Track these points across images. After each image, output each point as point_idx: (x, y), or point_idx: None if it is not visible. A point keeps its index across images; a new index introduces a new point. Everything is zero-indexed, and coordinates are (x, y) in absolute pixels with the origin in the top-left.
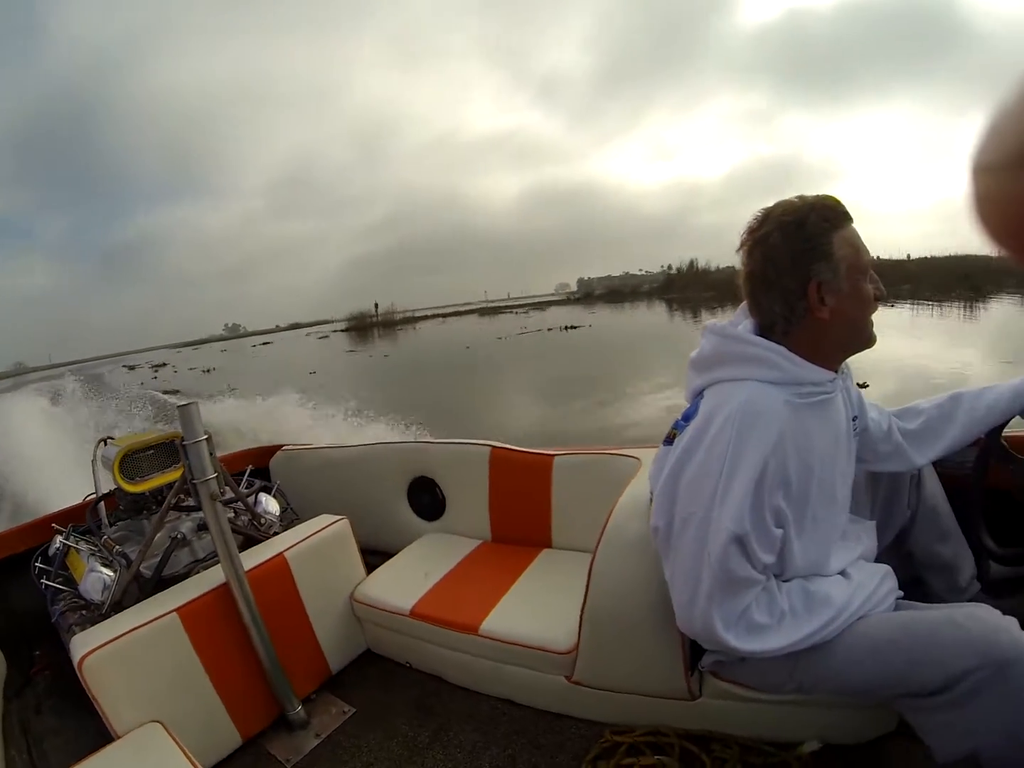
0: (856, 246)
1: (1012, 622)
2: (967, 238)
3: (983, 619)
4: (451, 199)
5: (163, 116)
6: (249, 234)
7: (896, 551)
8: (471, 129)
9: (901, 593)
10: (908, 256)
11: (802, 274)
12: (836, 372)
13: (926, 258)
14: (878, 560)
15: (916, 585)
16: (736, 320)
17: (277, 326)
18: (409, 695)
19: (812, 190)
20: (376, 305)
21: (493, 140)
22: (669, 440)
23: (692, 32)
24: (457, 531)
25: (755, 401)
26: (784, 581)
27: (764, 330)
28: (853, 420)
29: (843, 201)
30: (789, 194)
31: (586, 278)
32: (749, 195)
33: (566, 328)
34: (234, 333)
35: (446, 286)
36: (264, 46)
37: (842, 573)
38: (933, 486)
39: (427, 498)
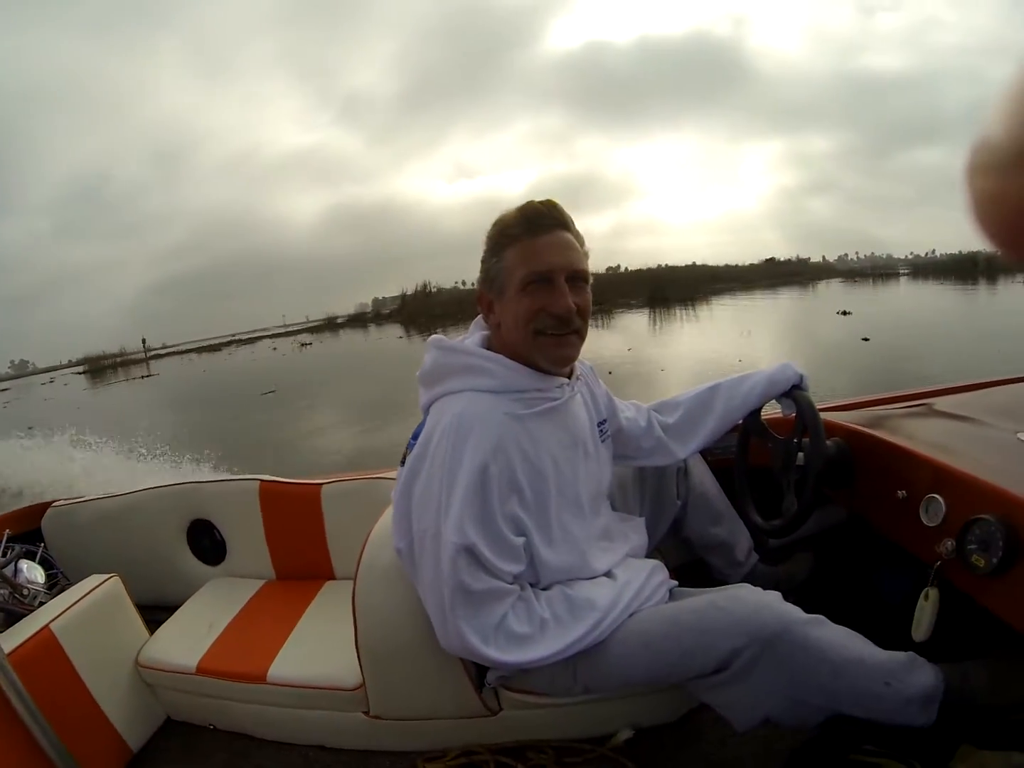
0: (530, 258)
1: (773, 597)
2: (748, 247)
3: (744, 599)
4: (253, 218)
5: None
6: (35, 256)
7: (675, 539)
8: (274, 146)
9: (675, 583)
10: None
11: (484, 285)
12: (568, 378)
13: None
14: (659, 548)
15: (700, 567)
16: (470, 332)
17: (69, 360)
18: (217, 760)
19: (610, 205)
20: (144, 340)
21: (296, 157)
22: (404, 460)
23: (496, 58)
24: (241, 573)
25: (470, 410)
26: (544, 589)
27: (493, 340)
28: (600, 424)
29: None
30: (586, 208)
31: (380, 297)
32: None
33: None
34: (21, 371)
35: (245, 311)
36: (48, 41)
37: (608, 574)
38: (701, 473)
39: (207, 541)
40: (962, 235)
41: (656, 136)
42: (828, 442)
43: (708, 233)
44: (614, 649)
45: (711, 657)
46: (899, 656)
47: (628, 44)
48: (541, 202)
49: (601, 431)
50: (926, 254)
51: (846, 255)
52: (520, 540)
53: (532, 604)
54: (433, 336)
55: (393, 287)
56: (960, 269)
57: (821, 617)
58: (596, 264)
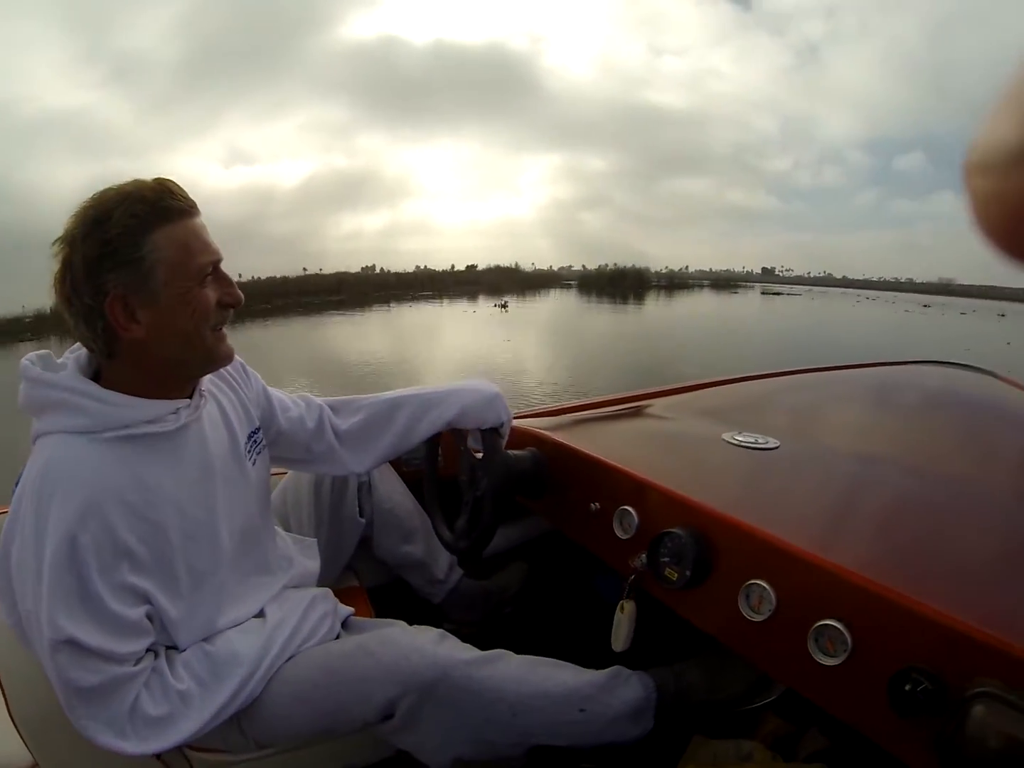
0: (187, 246)
1: (429, 638)
2: (520, 252)
3: (396, 643)
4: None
5: None
6: None
7: (367, 561)
8: (32, 102)
9: (349, 611)
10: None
11: (97, 285)
12: (190, 396)
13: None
14: (354, 570)
15: (401, 587)
16: (71, 350)
17: None
18: None
19: (388, 203)
20: None
21: (57, 119)
22: None
23: (285, 39)
24: None
25: (55, 463)
26: (182, 650)
27: (91, 361)
28: (252, 434)
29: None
30: (364, 205)
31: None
32: (325, 204)
33: None
34: None
35: None
36: None
37: (261, 614)
38: (390, 487)
39: None
40: (716, 254)
41: (439, 140)
42: (524, 452)
43: (483, 237)
44: (268, 705)
45: (370, 708)
46: (598, 677)
47: (424, 45)
48: (157, 180)
49: (253, 442)
50: (680, 269)
51: (606, 265)
52: (141, 611)
53: (166, 677)
54: (25, 359)
55: None
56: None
57: (497, 652)
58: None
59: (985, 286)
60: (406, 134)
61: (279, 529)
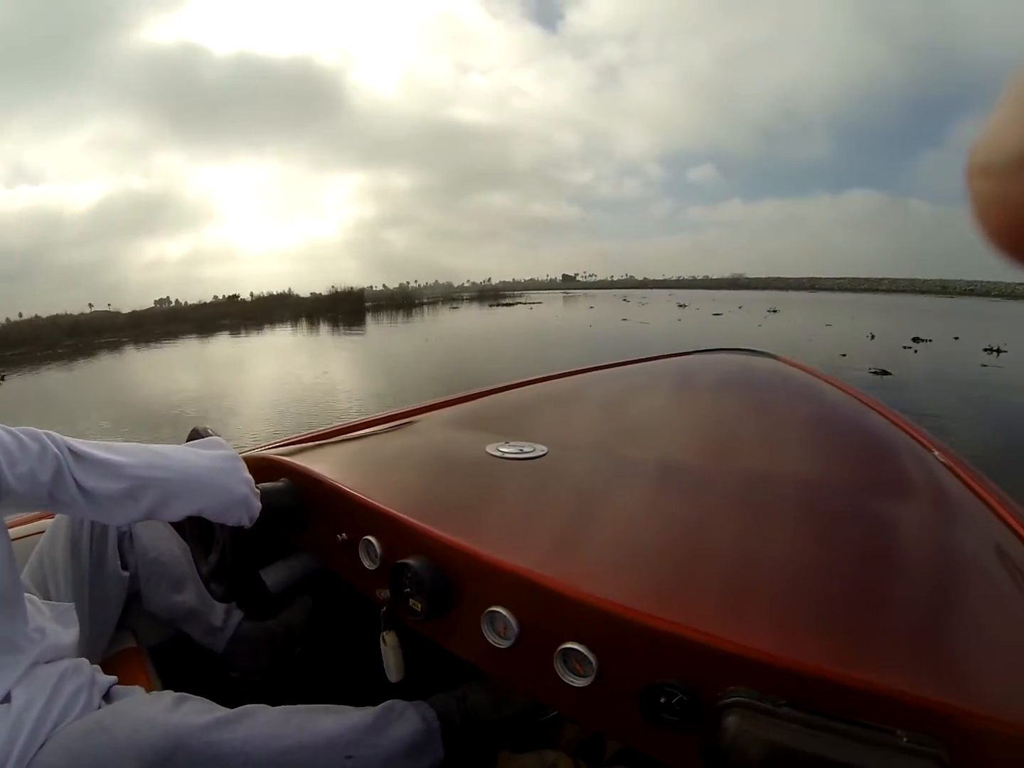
0: None
1: (161, 707)
2: (326, 275)
3: (126, 715)
4: None
5: None
6: None
7: (141, 618)
8: None
9: (112, 680)
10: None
11: None
12: None
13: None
14: (132, 630)
15: (184, 641)
16: None
17: None
18: None
19: (187, 228)
20: None
21: None
22: None
23: (73, 41)
24: None
25: None
26: None
27: None
28: None
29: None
30: (163, 231)
31: None
32: (122, 231)
33: None
34: None
35: None
36: None
37: (7, 698)
38: (155, 534)
39: None
40: (523, 265)
41: (241, 158)
42: (278, 484)
43: (290, 261)
44: None
45: None
46: (365, 717)
47: (226, 56)
48: None
49: None
50: (483, 281)
51: (407, 282)
52: None
53: None
54: None
55: None
56: None
57: (244, 709)
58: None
59: (770, 278)
60: (206, 152)
61: (33, 597)
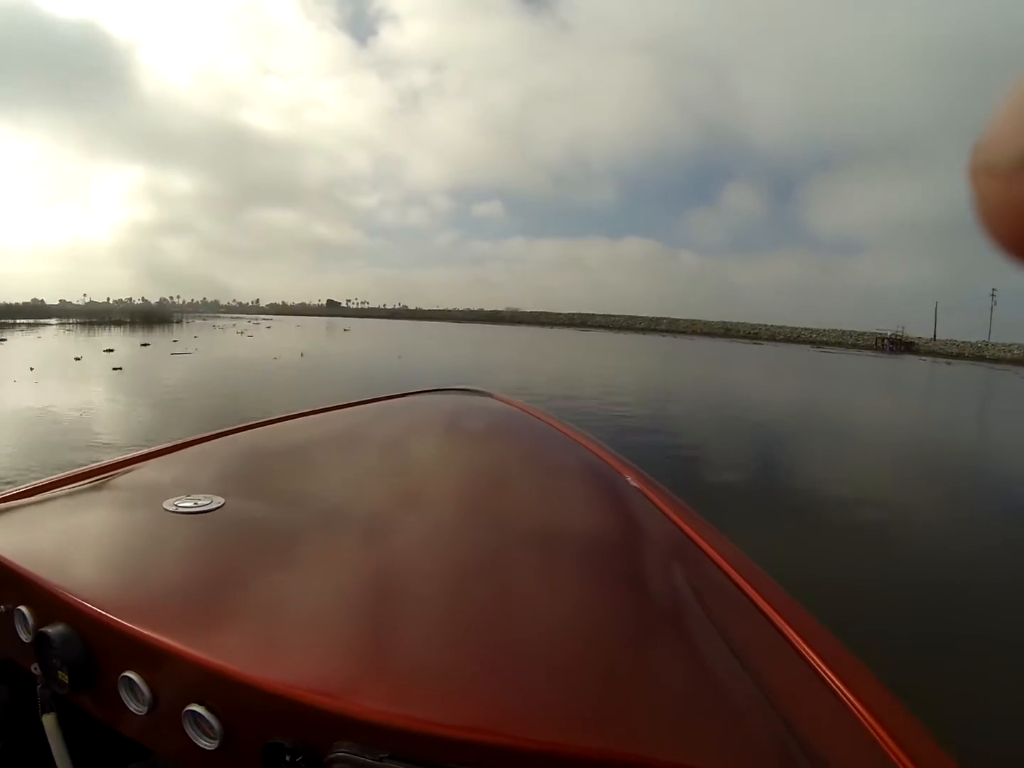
0: None
1: None
2: (95, 280)
3: None
4: None
5: None
6: None
7: None
8: None
9: None
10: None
11: None
12: None
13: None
14: None
15: None
16: None
17: None
18: None
19: None
20: None
21: None
22: None
23: None
24: None
25: None
26: None
27: None
28: None
29: None
30: None
31: None
32: None
33: None
34: None
35: None
36: None
37: None
38: None
39: None
40: (298, 288)
41: None
42: None
43: (53, 262)
44: None
45: None
46: None
47: None
48: None
49: None
50: (253, 302)
51: (172, 297)
52: None
53: None
54: None
55: None
56: None
57: None
58: None
59: (544, 312)
60: None
61: None
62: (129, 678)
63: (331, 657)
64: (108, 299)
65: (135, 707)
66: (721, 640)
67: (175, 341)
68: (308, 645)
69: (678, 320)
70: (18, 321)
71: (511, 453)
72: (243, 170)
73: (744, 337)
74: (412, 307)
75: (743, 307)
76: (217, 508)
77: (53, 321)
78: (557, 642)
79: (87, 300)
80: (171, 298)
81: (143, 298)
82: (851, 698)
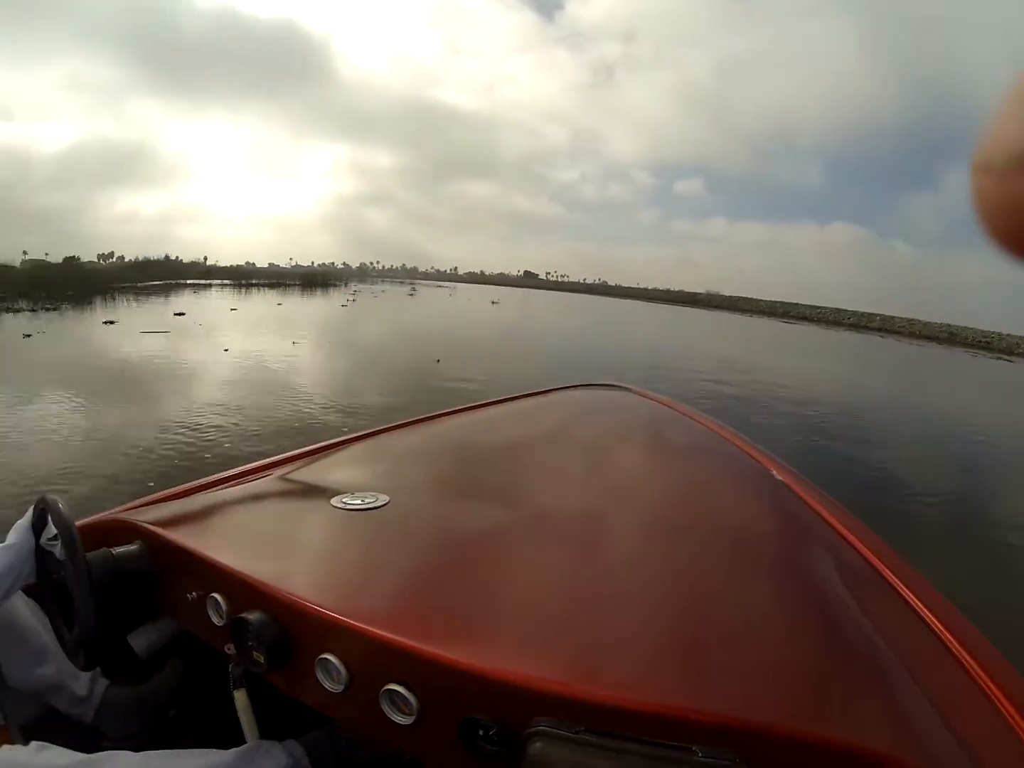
0: None
1: (22, 753)
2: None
3: None
4: None
5: None
6: None
7: (7, 693)
8: None
9: None
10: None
11: None
12: None
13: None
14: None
15: (50, 716)
16: None
17: None
18: None
19: (162, 183)
20: None
21: None
22: None
23: None
24: None
25: None
26: None
27: None
28: None
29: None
30: (137, 182)
31: None
32: (95, 178)
33: None
34: None
35: None
36: None
37: None
38: (8, 608)
39: None
40: (498, 258)
41: (217, 114)
42: (131, 547)
43: (265, 230)
44: None
45: None
46: (226, 756)
47: (207, 6)
48: None
49: None
50: (451, 270)
51: (371, 263)
52: None
53: None
54: None
55: None
56: None
57: (106, 754)
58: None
59: (744, 298)
60: (182, 105)
61: None
62: (327, 660)
63: (526, 637)
64: (312, 263)
65: (330, 686)
66: (894, 644)
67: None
68: (503, 627)
69: (893, 318)
70: (201, 282)
71: (668, 450)
72: (439, 145)
73: (973, 346)
74: (612, 283)
75: (966, 310)
76: (383, 506)
77: (253, 281)
78: (743, 629)
79: (293, 263)
80: (371, 263)
81: (344, 262)
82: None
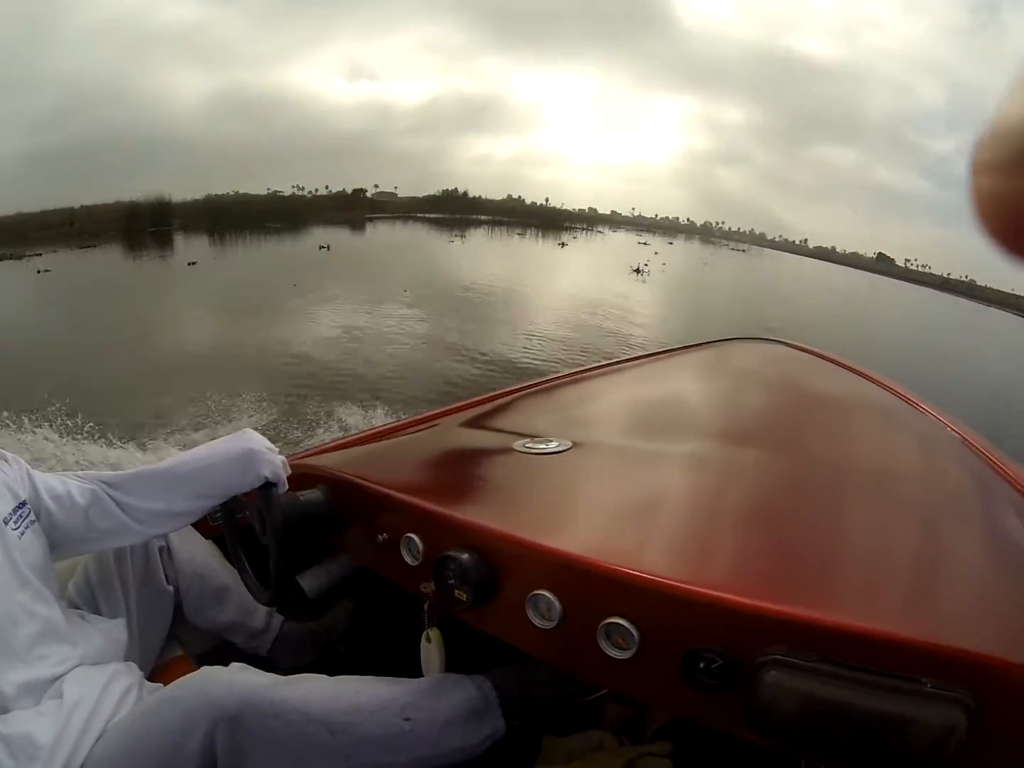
0: None
1: (225, 671)
2: (652, 200)
3: (192, 682)
4: (129, 94)
5: None
6: None
7: (188, 629)
8: (152, 17)
9: (157, 685)
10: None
11: None
12: None
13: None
14: (181, 640)
15: (226, 649)
16: None
17: None
18: None
19: (515, 133)
20: None
21: (173, 32)
22: None
23: None
24: None
25: None
26: None
27: None
28: (19, 507)
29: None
30: (492, 131)
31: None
32: (451, 127)
33: None
34: None
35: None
36: None
37: (58, 692)
38: (192, 548)
39: None
40: (851, 234)
41: (562, 67)
42: (313, 491)
43: (612, 178)
44: None
45: (188, 757)
46: (419, 683)
47: None
48: None
49: (19, 516)
50: (800, 241)
51: (715, 223)
52: None
53: None
54: None
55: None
56: None
57: (302, 676)
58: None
59: None
60: (527, 60)
61: (83, 612)
62: (540, 595)
63: (754, 563)
64: (655, 215)
65: (540, 623)
66: None
67: None
68: (722, 554)
69: None
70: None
71: (824, 400)
72: (796, 100)
73: None
74: (981, 283)
75: None
76: (567, 450)
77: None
78: (963, 568)
79: (636, 213)
80: (715, 223)
81: (688, 219)
82: None
